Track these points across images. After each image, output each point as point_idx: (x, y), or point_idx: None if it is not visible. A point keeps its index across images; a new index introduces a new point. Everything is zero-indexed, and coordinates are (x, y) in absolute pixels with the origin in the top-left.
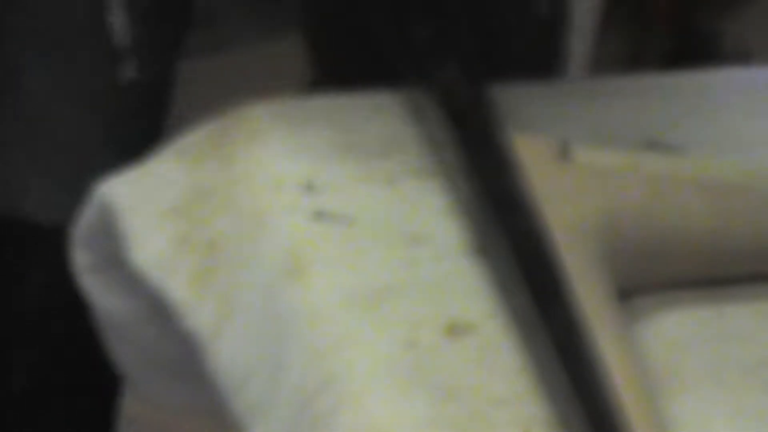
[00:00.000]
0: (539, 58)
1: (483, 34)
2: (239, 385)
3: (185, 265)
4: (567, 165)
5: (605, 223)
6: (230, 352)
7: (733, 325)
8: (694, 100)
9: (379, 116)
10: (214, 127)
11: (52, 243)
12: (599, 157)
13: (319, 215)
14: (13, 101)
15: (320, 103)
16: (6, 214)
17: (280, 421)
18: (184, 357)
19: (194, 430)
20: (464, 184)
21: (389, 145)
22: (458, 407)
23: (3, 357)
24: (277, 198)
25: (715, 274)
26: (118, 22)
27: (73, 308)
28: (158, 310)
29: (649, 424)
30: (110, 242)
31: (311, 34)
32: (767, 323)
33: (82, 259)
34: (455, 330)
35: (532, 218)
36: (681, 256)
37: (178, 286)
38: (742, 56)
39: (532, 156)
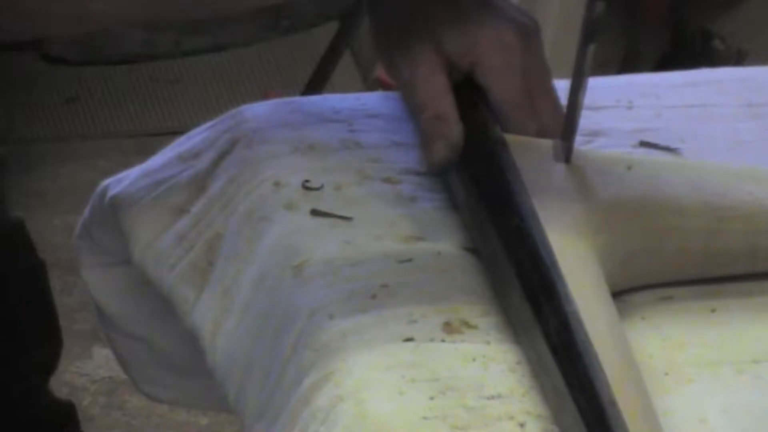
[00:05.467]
0: None
1: None
2: (239, 380)
3: (186, 263)
4: (562, 165)
5: (600, 223)
6: (230, 348)
7: (727, 320)
8: (688, 100)
9: (377, 116)
10: (214, 128)
11: None
12: (594, 158)
13: (318, 214)
14: None
15: (319, 103)
16: None
17: (280, 416)
18: (184, 353)
19: (189, 422)
20: (461, 183)
21: (387, 144)
22: (454, 402)
23: None
24: (277, 197)
25: (709, 274)
26: None
27: None
28: (159, 306)
29: (645, 418)
30: (113, 240)
31: None
32: (760, 318)
33: (85, 257)
34: (451, 327)
35: (527, 217)
36: (675, 256)
37: (178, 283)
38: (735, 56)
39: (528, 156)
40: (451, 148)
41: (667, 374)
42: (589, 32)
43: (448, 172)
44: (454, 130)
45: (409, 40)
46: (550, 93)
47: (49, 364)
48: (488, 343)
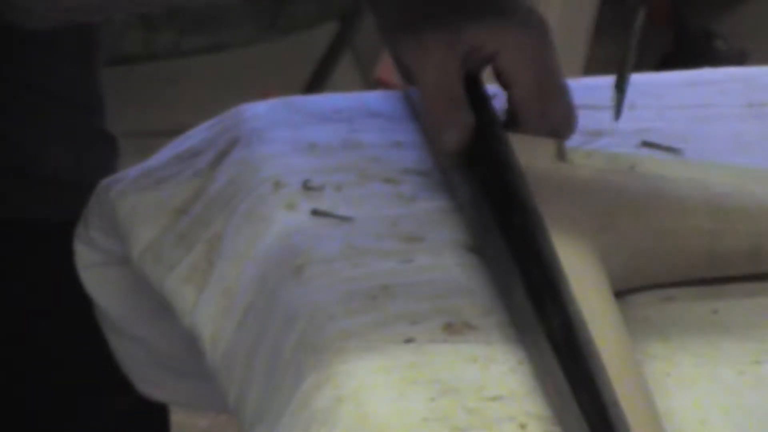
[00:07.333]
0: None
1: None
2: (239, 381)
3: (185, 263)
4: (564, 165)
5: (603, 222)
6: (230, 348)
7: (729, 321)
8: (690, 101)
9: (378, 116)
10: (213, 127)
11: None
12: (597, 158)
13: (318, 214)
14: None
15: (320, 103)
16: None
17: (281, 417)
18: (183, 354)
19: (189, 423)
20: (465, 181)
21: (388, 144)
22: (455, 403)
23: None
24: (277, 197)
25: (713, 275)
26: None
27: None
28: (159, 307)
29: (647, 419)
30: (112, 240)
31: None
32: (762, 319)
33: (84, 257)
34: (452, 328)
35: (530, 216)
36: (678, 257)
37: (178, 283)
38: (737, 56)
39: (530, 155)
40: (465, 132)
41: (668, 375)
42: (633, 40)
43: (451, 171)
44: (467, 114)
45: (423, 28)
46: (564, 95)
47: None
48: (489, 343)
